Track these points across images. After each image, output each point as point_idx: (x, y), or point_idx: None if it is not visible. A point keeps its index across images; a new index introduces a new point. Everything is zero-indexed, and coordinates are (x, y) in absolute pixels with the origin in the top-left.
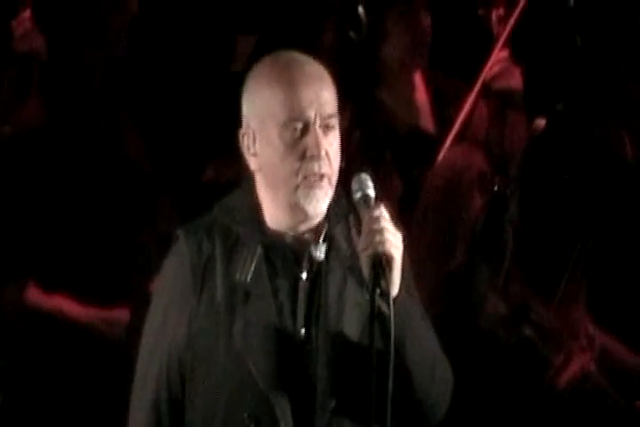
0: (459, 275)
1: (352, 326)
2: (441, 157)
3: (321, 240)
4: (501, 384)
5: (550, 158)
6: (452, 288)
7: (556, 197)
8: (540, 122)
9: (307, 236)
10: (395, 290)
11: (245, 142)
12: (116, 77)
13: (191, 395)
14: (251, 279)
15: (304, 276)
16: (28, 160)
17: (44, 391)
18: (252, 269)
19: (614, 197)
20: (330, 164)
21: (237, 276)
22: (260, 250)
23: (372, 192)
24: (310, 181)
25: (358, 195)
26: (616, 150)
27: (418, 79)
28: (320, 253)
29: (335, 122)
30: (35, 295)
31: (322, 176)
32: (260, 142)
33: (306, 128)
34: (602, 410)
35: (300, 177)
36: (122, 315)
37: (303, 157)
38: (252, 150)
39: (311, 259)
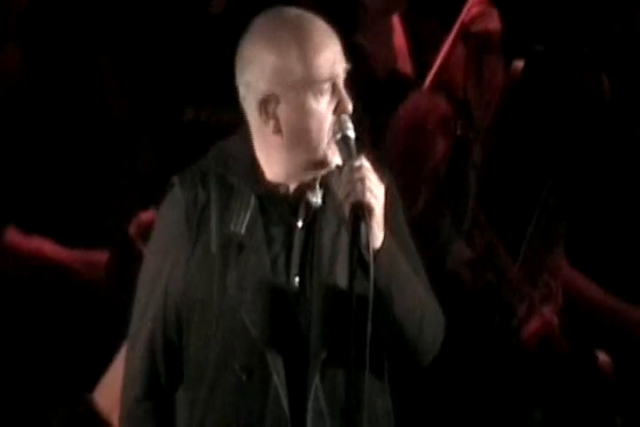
0: (422, 220)
1: (344, 274)
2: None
3: (317, 186)
4: (467, 330)
5: (529, 100)
6: (416, 233)
7: (533, 138)
8: (519, 64)
9: (303, 185)
10: (375, 240)
11: (264, 108)
12: (95, 21)
13: (185, 344)
14: (245, 231)
15: (300, 224)
16: (6, 105)
17: (24, 335)
18: (247, 220)
19: (591, 138)
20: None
21: (231, 227)
22: (254, 201)
23: (352, 133)
24: (337, 137)
25: (338, 136)
26: (594, 91)
27: (396, 23)
28: (317, 198)
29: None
30: (14, 238)
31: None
32: (287, 106)
33: (333, 86)
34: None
35: (331, 133)
36: (101, 257)
37: (332, 114)
38: (271, 114)
39: (308, 206)
